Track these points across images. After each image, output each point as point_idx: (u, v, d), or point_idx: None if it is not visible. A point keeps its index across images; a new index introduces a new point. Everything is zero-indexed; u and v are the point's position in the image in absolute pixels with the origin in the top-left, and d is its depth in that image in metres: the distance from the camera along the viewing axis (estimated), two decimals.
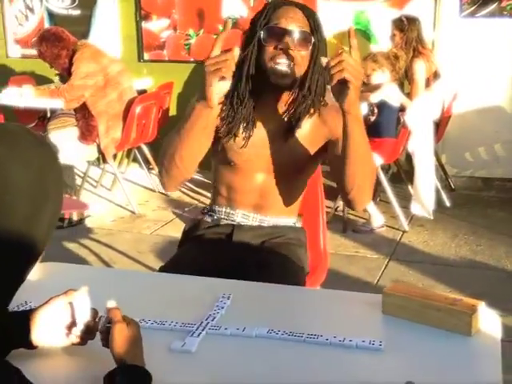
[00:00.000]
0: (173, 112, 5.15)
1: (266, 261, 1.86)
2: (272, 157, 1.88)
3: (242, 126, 1.84)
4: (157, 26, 5.41)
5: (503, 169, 4.84)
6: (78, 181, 4.63)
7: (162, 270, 1.91)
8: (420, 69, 4.32)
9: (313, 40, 1.76)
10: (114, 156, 4.75)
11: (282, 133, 1.85)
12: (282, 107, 1.85)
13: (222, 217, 1.99)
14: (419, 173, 4.15)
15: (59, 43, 4.28)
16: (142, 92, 4.94)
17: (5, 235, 0.92)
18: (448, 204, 4.53)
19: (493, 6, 4.67)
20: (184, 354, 1.37)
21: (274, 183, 1.92)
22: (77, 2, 5.57)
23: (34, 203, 0.95)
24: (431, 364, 1.34)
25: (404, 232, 4.10)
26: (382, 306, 1.53)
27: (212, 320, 1.50)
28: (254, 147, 1.86)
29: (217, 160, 1.95)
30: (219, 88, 1.61)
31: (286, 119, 1.85)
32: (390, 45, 4.43)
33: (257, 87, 1.81)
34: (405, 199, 4.32)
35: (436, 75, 4.48)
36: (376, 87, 3.97)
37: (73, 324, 1.30)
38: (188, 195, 4.89)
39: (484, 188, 4.90)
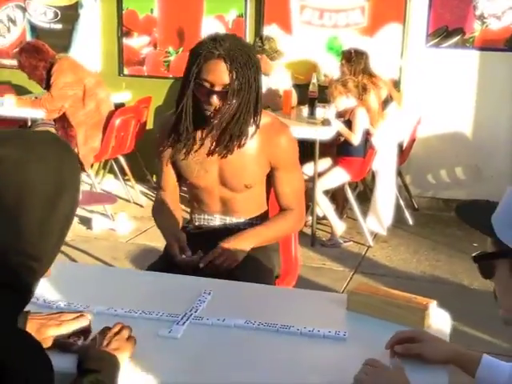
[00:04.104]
0: (150, 125, 5.31)
1: (241, 262, 2.06)
2: (219, 172, 2.15)
3: (184, 149, 2.13)
4: (137, 42, 5.59)
5: (463, 191, 5.10)
6: None
7: (149, 269, 2.09)
8: (372, 99, 4.53)
9: (234, 94, 1.99)
10: (91, 167, 4.89)
11: (225, 151, 2.11)
12: (220, 127, 2.10)
13: (202, 223, 2.26)
14: (380, 190, 4.40)
15: (38, 55, 4.49)
16: (120, 105, 5.10)
17: (24, 228, 0.98)
18: (411, 222, 4.77)
19: (456, 38, 4.97)
20: (170, 339, 1.54)
21: (231, 193, 2.18)
22: (59, 17, 5.72)
23: (49, 200, 1.01)
24: (387, 352, 1.53)
25: (369, 247, 4.31)
26: (347, 303, 1.72)
27: (195, 311, 1.67)
28: (201, 165, 2.14)
29: (183, 178, 2.25)
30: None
31: (226, 140, 2.10)
32: (338, 73, 4.67)
33: (196, 116, 2.07)
34: None
35: (387, 100, 4.71)
36: (344, 113, 4.22)
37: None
38: None
39: (445, 208, 5.15)
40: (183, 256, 2.04)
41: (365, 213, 4.52)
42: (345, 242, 4.35)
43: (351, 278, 3.78)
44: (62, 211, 1.04)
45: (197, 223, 2.26)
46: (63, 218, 1.05)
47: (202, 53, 1.99)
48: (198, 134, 2.13)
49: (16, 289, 1.01)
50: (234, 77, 1.98)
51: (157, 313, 1.65)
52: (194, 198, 2.28)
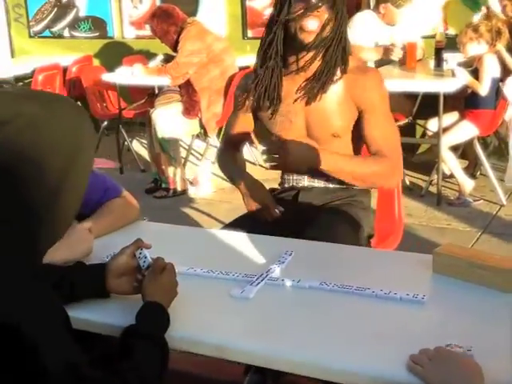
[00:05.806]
0: None
1: (325, 221, 2.00)
2: (305, 121, 2.06)
3: (269, 100, 2.05)
4: (260, 4, 5.57)
5: None
6: (183, 153, 4.90)
7: (226, 228, 2.09)
8: None
9: (336, 3, 1.93)
10: (219, 130, 4.99)
11: (310, 99, 2.02)
12: (307, 76, 2.02)
13: (291, 183, 2.20)
14: None
15: (168, 19, 4.54)
16: (245, 68, 5.13)
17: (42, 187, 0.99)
18: None
19: None
20: (242, 300, 1.52)
21: (318, 145, 2.03)
22: None
23: (67, 157, 1.02)
24: (470, 317, 1.41)
25: (501, 206, 4.02)
26: (433, 265, 1.60)
27: (272, 272, 1.64)
28: (285, 116, 2.06)
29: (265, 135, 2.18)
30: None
31: (312, 87, 2.01)
32: (501, 13, 4.32)
33: (285, 53, 2.00)
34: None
35: None
36: (472, 60, 3.92)
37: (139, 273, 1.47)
38: None
39: None
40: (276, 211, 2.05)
41: (499, 169, 4.21)
42: (474, 200, 4.08)
43: (478, 239, 3.55)
44: (78, 171, 1.06)
45: (286, 185, 2.21)
46: (79, 178, 1.06)
47: None
48: (285, 80, 2.05)
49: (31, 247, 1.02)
50: None
51: (234, 273, 1.64)
52: None
